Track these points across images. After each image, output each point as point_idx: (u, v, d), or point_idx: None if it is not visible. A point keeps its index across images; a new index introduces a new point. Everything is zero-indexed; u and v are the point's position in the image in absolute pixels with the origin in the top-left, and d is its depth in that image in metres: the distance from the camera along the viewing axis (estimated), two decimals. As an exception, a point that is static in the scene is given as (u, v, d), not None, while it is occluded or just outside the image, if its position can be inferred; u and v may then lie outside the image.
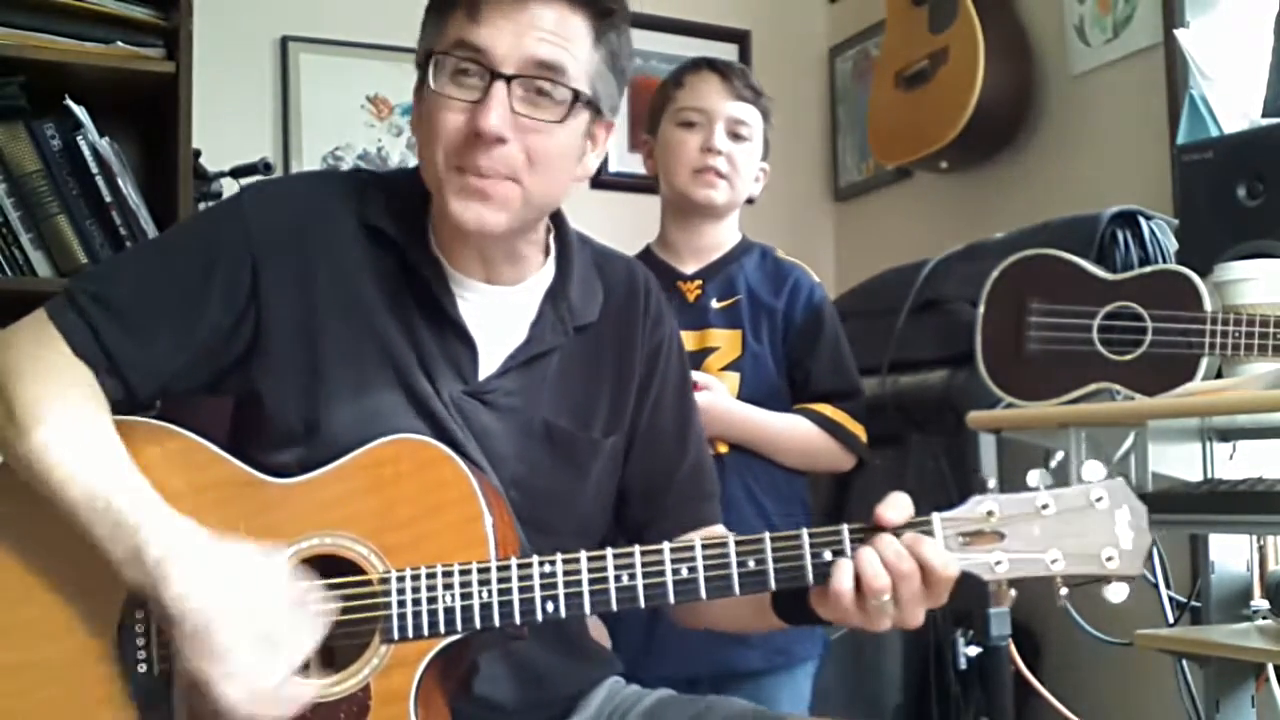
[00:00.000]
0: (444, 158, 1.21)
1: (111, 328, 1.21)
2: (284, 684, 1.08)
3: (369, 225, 1.28)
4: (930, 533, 1.10)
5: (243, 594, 1.08)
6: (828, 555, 1.11)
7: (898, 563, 1.08)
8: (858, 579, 1.09)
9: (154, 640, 1.15)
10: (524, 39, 1.20)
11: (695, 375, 1.85)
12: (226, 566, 1.10)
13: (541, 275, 1.35)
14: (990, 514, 1.09)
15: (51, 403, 1.15)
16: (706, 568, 1.13)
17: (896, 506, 1.11)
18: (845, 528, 1.12)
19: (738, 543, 1.13)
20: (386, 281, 1.28)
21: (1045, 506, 1.08)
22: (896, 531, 1.10)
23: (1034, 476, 1.10)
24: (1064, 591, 1.09)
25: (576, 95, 1.23)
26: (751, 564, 1.12)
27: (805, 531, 1.12)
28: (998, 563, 1.09)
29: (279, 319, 1.25)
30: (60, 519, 1.13)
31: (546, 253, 1.36)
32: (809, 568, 1.12)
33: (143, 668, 1.15)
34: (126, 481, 1.14)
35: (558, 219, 1.37)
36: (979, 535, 1.09)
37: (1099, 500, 1.08)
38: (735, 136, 1.91)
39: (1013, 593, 1.11)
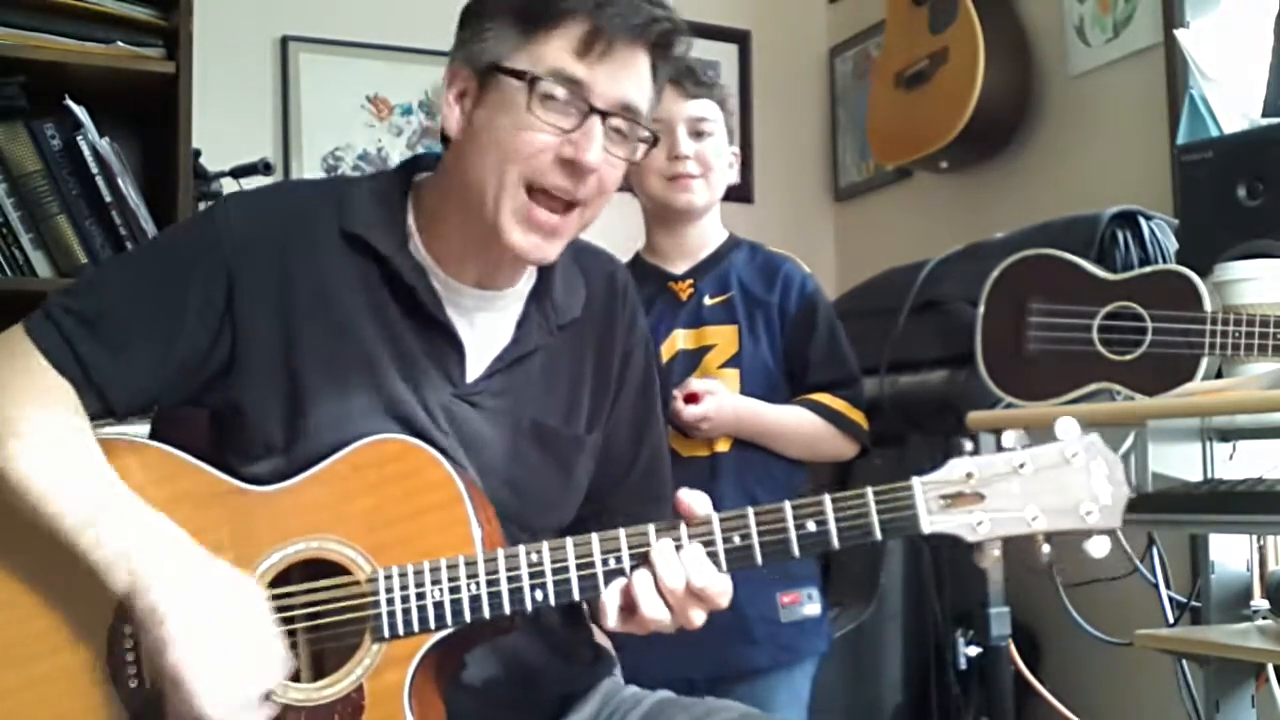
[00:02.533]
0: (518, 175, 1.21)
1: (88, 343, 1.21)
2: (261, 699, 1.10)
3: (348, 233, 1.27)
4: (910, 498, 1.10)
5: (222, 607, 1.10)
6: (811, 526, 1.11)
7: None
8: None
9: (144, 655, 1.15)
10: (622, 82, 1.23)
11: (694, 383, 1.86)
12: (207, 581, 1.11)
13: (527, 277, 1.35)
14: (969, 475, 1.10)
15: (31, 416, 1.16)
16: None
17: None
18: (870, 489, 1.12)
19: (723, 519, 1.12)
20: (368, 288, 1.27)
21: (1022, 465, 1.10)
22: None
23: (1010, 437, 1.12)
24: (1046, 549, 1.10)
25: (645, 134, 1.26)
26: (737, 539, 1.12)
27: (788, 504, 1.12)
28: (979, 523, 1.10)
29: (256, 332, 1.24)
30: (43, 534, 1.13)
31: None
32: (794, 540, 1.11)
33: (134, 683, 1.15)
34: (108, 492, 1.14)
35: None
36: (960, 497, 1.10)
37: (1074, 456, 1.10)
38: (698, 134, 1.91)
39: (996, 553, 1.11)
